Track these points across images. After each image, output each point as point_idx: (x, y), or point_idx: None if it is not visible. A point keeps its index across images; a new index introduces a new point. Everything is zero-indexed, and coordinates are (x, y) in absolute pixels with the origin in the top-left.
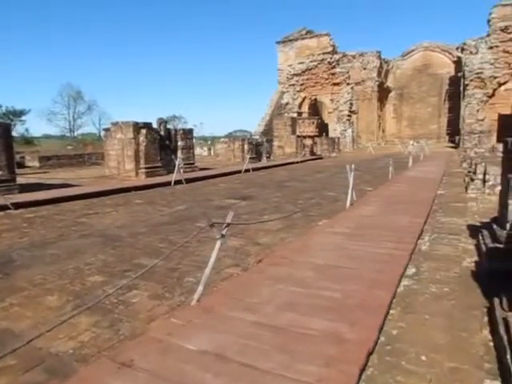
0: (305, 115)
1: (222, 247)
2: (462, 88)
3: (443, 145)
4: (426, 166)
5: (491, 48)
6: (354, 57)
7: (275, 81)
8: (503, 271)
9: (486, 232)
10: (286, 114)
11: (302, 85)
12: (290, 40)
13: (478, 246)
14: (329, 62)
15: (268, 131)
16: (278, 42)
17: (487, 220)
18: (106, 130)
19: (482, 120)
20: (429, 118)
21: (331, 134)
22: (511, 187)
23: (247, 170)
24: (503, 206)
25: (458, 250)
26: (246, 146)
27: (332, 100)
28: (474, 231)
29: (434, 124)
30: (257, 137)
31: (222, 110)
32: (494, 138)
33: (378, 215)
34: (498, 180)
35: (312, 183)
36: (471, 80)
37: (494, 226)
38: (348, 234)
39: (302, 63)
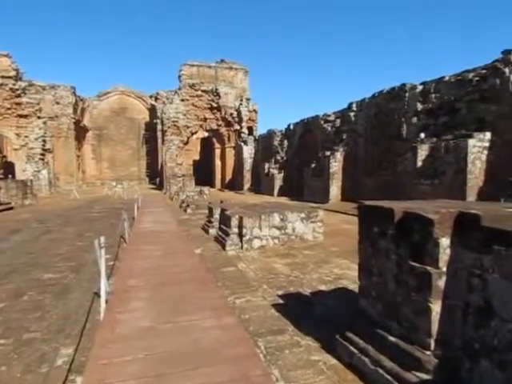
0: None
1: None
2: (160, 133)
3: (146, 186)
4: (153, 213)
5: (183, 100)
6: (44, 88)
7: None
8: None
9: (363, 343)
10: None
11: None
12: None
13: (352, 366)
14: (11, 89)
15: None
16: None
17: (282, 292)
18: None
19: (181, 164)
20: (129, 161)
21: (19, 175)
22: (434, 285)
23: None
24: (413, 311)
25: (328, 376)
26: None
27: (18, 135)
28: (298, 323)
29: (135, 166)
30: None
31: None
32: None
33: (163, 323)
34: (254, 233)
35: (8, 255)
36: (169, 127)
37: (393, 339)
38: None
39: None
